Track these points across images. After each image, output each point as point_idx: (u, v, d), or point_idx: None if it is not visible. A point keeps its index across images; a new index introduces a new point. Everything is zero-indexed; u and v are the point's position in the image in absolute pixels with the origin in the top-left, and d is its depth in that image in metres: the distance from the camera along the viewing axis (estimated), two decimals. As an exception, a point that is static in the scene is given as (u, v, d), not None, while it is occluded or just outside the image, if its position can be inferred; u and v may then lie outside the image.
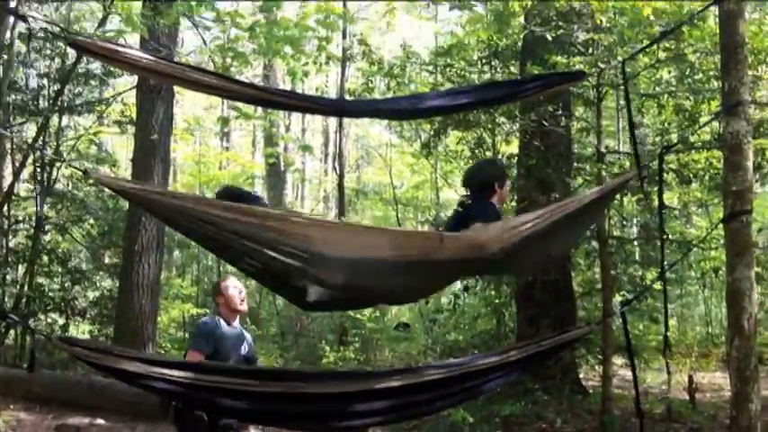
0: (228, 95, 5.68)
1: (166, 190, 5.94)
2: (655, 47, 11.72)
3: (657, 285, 11.52)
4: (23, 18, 7.35)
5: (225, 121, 14.70)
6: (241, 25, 11.59)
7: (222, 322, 6.83)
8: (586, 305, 15.17)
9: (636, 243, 15.87)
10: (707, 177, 13.08)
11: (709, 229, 12.89)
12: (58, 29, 14.98)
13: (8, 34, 13.91)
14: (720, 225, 5.93)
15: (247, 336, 7.11)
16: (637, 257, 15.81)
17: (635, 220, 17.53)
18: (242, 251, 5.00)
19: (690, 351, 16.68)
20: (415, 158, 22.15)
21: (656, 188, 12.59)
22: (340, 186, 21.29)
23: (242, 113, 12.36)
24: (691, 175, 13.02)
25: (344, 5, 20.97)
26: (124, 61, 4.93)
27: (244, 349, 6.95)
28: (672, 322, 19.55)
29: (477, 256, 5.21)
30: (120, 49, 5.00)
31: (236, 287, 6.95)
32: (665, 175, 10.85)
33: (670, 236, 14.50)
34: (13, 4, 12.71)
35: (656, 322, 15.28)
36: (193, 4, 10.90)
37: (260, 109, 14.61)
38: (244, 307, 6.96)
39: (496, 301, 14.88)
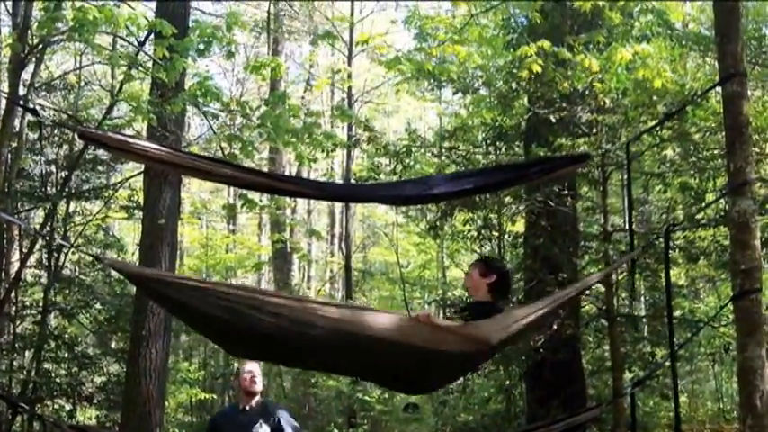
0: (236, 183, 5.71)
1: (182, 278, 5.91)
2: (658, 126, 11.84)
3: (668, 363, 11.48)
4: (34, 111, 7.45)
5: (231, 208, 14.75)
6: (249, 115, 11.71)
7: (235, 408, 7.09)
8: (596, 383, 15.06)
9: (645, 320, 15.82)
10: (714, 254, 13.08)
11: (718, 308, 12.86)
12: (66, 118, 15.17)
13: (17, 122, 14.08)
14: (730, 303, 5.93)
15: (279, 415, 7.11)
16: (645, 334, 15.74)
17: (643, 298, 17.49)
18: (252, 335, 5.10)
19: (702, 428, 16.50)
20: (421, 238, 22.18)
21: (662, 265, 12.68)
22: (347, 267, 21.32)
23: (247, 201, 12.41)
24: (698, 253, 13.04)
25: (349, 92, 21.28)
26: (131, 152, 4.94)
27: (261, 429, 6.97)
28: (682, 398, 19.38)
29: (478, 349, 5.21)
30: (128, 140, 5.01)
31: (250, 370, 7.06)
32: (671, 252, 10.86)
33: (678, 313, 14.47)
34: (22, 92, 12.91)
35: (666, 399, 15.15)
36: (198, 93, 11.01)
37: (266, 195, 14.68)
38: (254, 388, 7.03)
39: (506, 381, 14.78)
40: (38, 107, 15.35)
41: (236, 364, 20.94)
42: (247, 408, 7.02)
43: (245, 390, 7.00)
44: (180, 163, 5.10)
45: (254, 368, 7.12)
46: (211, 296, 4.86)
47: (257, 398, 7.13)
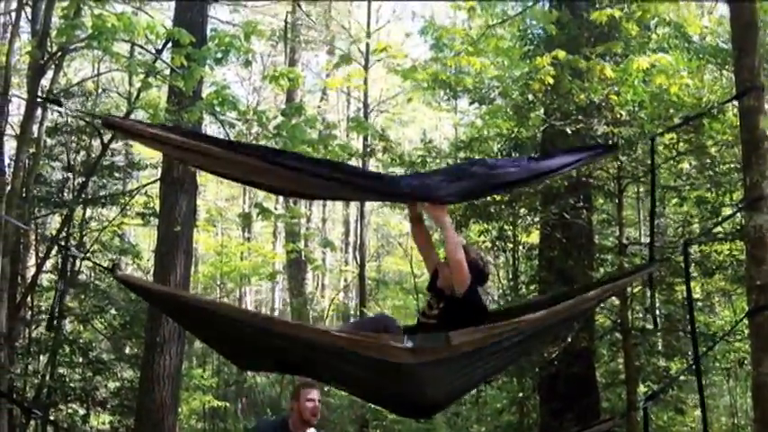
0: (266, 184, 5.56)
1: (193, 299, 5.88)
2: (675, 138, 11.80)
3: (682, 377, 11.46)
4: (58, 102, 7.48)
5: (247, 216, 14.74)
6: (265, 124, 11.73)
7: (288, 429, 6.48)
8: (610, 396, 15.01)
9: (659, 334, 15.76)
10: (730, 269, 13.03)
11: (733, 323, 12.79)
12: (87, 119, 15.25)
13: (35, 128, 14.16)
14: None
15: None
16: (660, 348, 15.67)
17: (658, 311, 17.41)
18: (260, 348, 5.20)
19: (716, 443, 16.40)
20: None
21: (677, 279, 12.65)
22: (361, 276, 21.30)
23: (263, 210, 12.43)
24: (713, 267, 12.99)
25: (365, 100, 21.29)
26: (154, 139, 4.93)
27: None
28: (696, 413, 19.28)
29: None
30: (149, 129, 4.97)
31: (312, 398, 6.46)
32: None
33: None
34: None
35: (681, 413, 15.09)
36: (216, 102, 11.04)
37: (281, 203, 14.69)
38: (314, 421, 6.47)
39: (520, 393, 14.74)
40: (56, 113, 15.46)
41: (248, 372, 21.01)
42: None
43: (305, 420, 6.43)
44: (201, 151, 4.99)
45: (316, 396, 6.52)
46: (220, 320, 5.01)
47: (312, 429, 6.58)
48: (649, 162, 11.08)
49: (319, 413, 6.53)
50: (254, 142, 11.81)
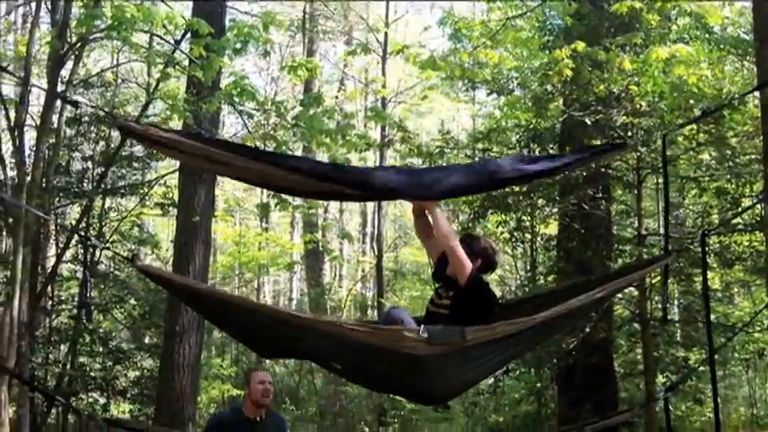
0: (275, 186, 5.65)
1: (211, 291, 6.00)
2: (695, 129, 11.76)
3: (702, 368, 11.43)
4: (74, 103, 7.52)
5: (265, 207, 14.75)
6: (283, 115, 11.77)
7: (240, 415, 6.74)
8: (628, 386, 14.99)
9: (677, 324, 15.73)
10: (749, 260, 12.98)
11: (753, 314, 12.76)
12: (103, 115, 15.30)
13: (55, 119, 14.23)
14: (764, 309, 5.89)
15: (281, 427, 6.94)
16: (678, 339, 15.63)
17: (677, 302, 17.37)
18: (278, 339, 5.26)
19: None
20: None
21: (696, 270, 12.63)
22: (378, 267, 21.31)
23: (281, 201, 12.46)
24: (733, 258, 12.94)
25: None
26: (168, 146, 4.95)
27: None
28: (715, 404, 19.18)
29: None
30: (164, 134, 4.96)
31: (263, 380, 6.69)
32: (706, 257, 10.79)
33: (713, 318, 14.37)
34: (60, 88, 13.05)
35: (699, 403, 15.06)
36: (234, 93, 11.08)
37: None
38: (266, 401, 6.71)
39: (537, 383, 14.74)
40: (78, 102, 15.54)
41: (267, 362, 21.10)
42: (258, 419, 6.70)
43: (257, 402, 6.66)
44: (216, 159, 4.98)
45: (267, 378, 6.77)
46: (238, 311, 5.11)
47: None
48: (669, 153, 11.09)
49: (271, 395, 6.80)
50: (271, 132, 11.86)
